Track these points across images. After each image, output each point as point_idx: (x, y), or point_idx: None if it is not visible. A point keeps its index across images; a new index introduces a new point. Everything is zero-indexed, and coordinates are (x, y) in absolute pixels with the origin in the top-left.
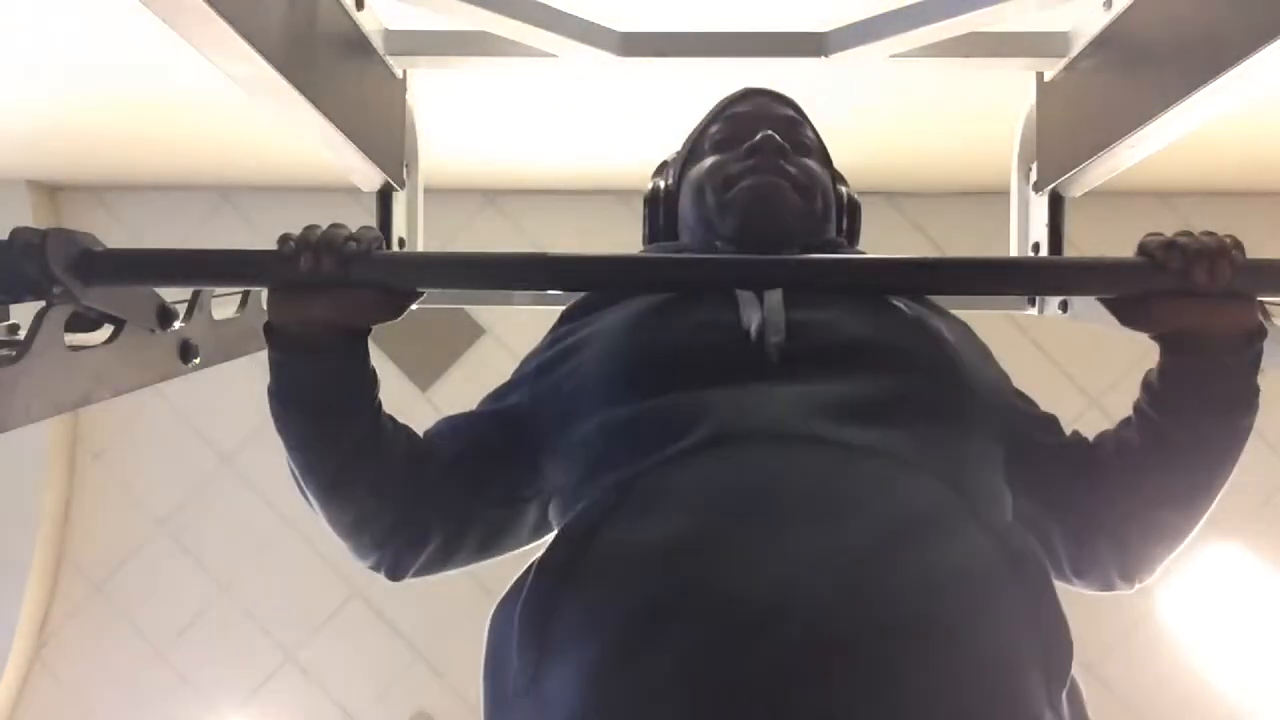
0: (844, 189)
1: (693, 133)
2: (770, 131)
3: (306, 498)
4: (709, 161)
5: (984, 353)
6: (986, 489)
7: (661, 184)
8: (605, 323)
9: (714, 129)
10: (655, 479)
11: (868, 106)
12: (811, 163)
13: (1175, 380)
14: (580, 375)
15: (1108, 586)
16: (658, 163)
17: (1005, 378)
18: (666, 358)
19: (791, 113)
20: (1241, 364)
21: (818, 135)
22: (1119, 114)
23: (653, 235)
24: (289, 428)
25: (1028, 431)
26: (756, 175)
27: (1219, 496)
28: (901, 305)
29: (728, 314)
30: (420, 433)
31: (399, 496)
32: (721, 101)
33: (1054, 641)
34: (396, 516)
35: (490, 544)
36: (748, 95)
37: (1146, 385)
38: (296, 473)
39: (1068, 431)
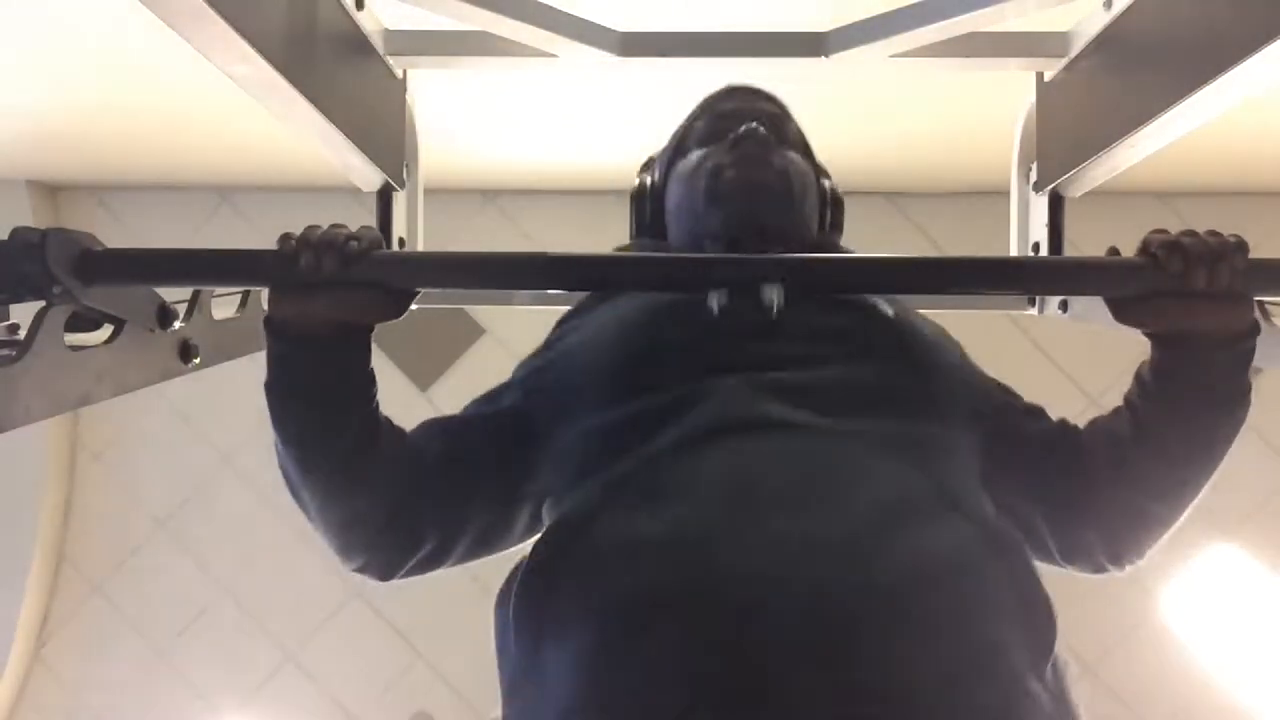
0: (827, 182)
1: (678, 130)
2: (755, 124)
3: (296, 495)
4: (695, 156)
5: (959, 351)
6: (965, 478)
7: (648, 180)
8: (595, 325)
9: (699, 125)
10: (647, 474)
11: (868, 106)
12: (795, 155)
13: (1168, 376)
14: (572, 377)
15: (1097, 569)
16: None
17: (982, 374)
18: (655, 356)
19: (775, 108)
20: (1233, 360)
21: (801, 131)
22: (1119, 114)
23: (639, 231)
24: (286, 422)
25: (1011, 422)
26: (741, 167)
27: (1207, 488)
28: (878, 302)
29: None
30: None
31: (392, 497)
32: (706, 99)
33: (1037, 621)
34: (388, 517)
35: (482, 545)
36: (732, 92)
37: (1139, 380)
38: (290, 469)
39: (1056, 421)
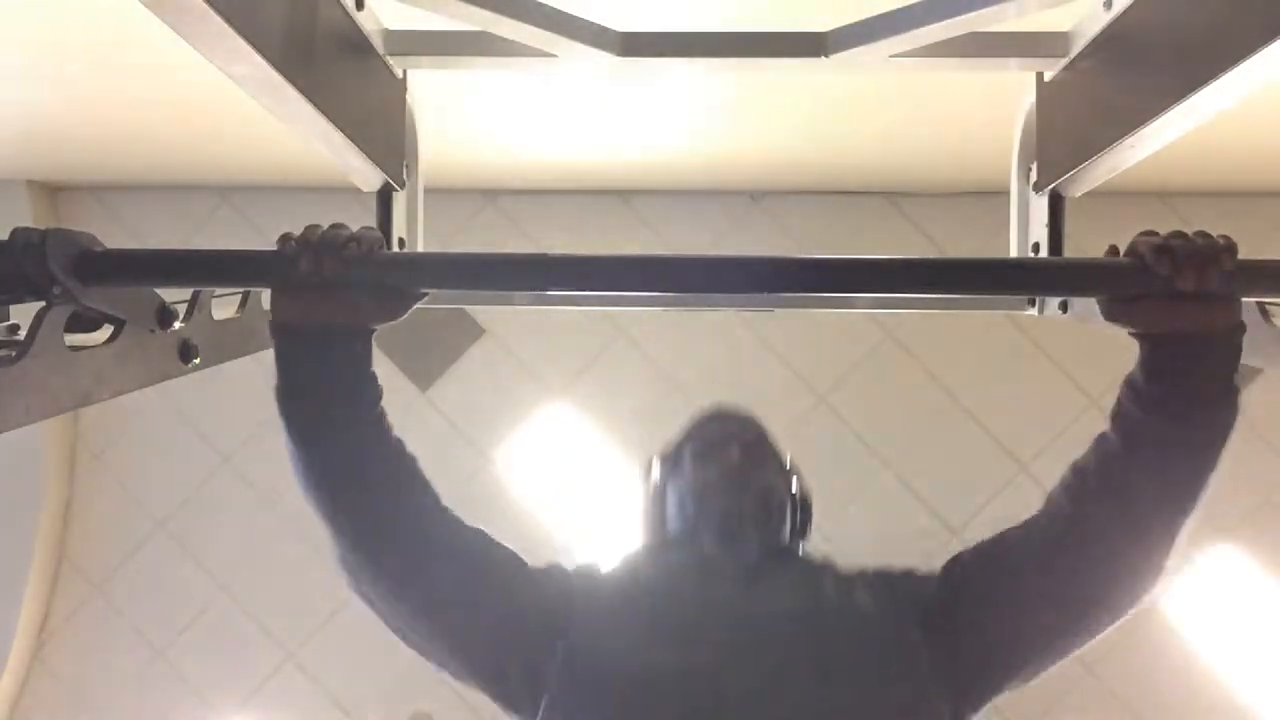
0: (795, 484)
1: (674, 441)
2: (736, 460)
3: (306, 497)
4: (689, 478)
5: (897, 587)
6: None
7: (654, 482)
8: (616, 603)
9: (689, 447)
10: None
11: (868, 106)
12: (769, 479)
13: (1156, 375)
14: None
15: (1150, 589)
16: (658, 168)
17: (918, 580)
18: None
19: (754, 433)
20: (1220, 357)
21: (776, 446)
22: (1119, 114)
23: (647, 518)
24: (292, 422)
25: (971, 586)
26: (727, 498)
27: (1212, 487)
28: (815, 592)
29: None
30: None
31: (390, 515)
32: (697, 420)
33: None
34: (380, 526)
35: (422, 611)
36: (718, 417)
37: (1131, 384)
38: (297, 470)
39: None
